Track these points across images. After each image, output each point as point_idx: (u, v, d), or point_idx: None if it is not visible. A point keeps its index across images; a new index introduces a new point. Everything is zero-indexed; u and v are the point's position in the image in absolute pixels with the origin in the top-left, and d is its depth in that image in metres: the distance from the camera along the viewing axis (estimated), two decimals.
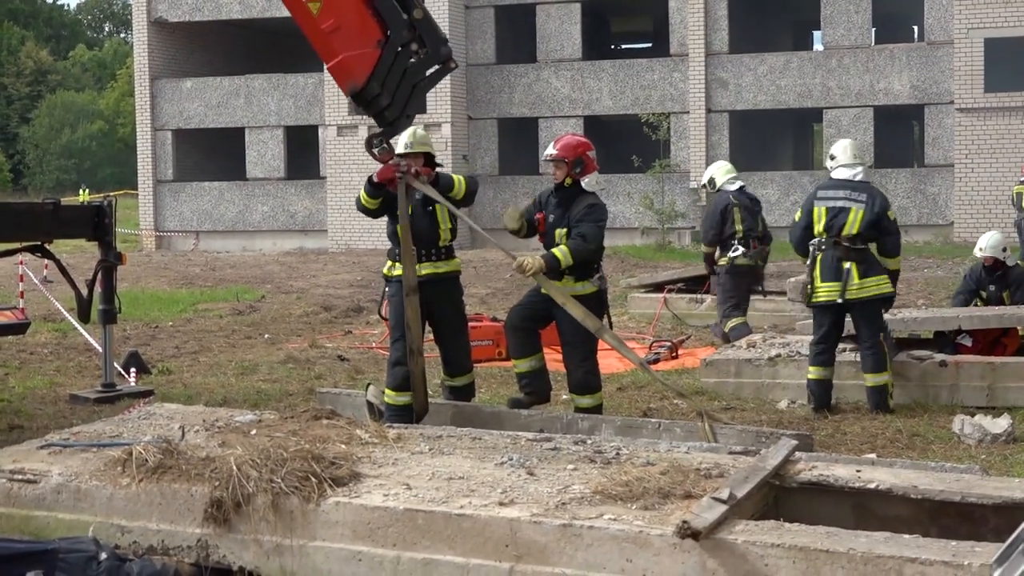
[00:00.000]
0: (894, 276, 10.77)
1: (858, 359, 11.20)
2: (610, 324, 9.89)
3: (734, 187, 14.16)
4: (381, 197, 9.48)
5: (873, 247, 10.71)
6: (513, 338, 9.82)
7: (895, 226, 10.80)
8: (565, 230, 9.40)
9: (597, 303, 9.52)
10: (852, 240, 10.61)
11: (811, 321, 11.54)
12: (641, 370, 9.96)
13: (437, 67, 8.98)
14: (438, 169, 9.71)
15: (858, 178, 10.90)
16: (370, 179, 9.37)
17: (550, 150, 9.57)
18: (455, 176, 9.70)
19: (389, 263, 9.74)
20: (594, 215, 9.38)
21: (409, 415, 9.15)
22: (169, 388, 12.42)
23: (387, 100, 8.70)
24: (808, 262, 10.78)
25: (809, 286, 10.81)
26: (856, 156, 11.11)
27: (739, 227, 13.85)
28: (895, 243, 10.80)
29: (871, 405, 10.57)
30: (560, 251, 9.23)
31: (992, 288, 12.68)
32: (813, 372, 10.73)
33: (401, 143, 9.56)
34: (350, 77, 8.70)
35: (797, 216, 11.18)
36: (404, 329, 9.27)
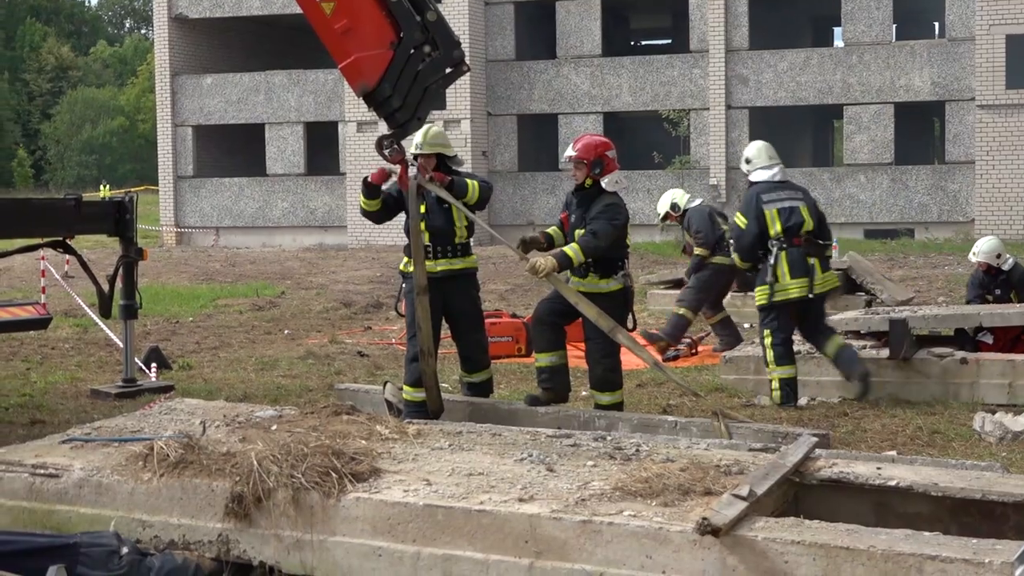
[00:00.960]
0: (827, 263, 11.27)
1: (879, 356, 11.21)
2: (634, 322, 9.89)
3: (695, 204, 14.62)
4: (379, 198, 9.57)
5: None
6: (538, 331, 9.82)
7: None
8: (583, 230, 9.41)
9: (622, 300, 9.54)
10: (810, 235, 10.98)
11: (831, 317, 11.58)
12: (655, 370, 9.94)
13: (450, 69, 8.98)
14: (454, 174, 9.69)
15: (777, 178, 11.26)
16: (365, 180, 9.41)
17: (569, 151, 9.57)
18: (469, 181, 9.68)
19: (405, 259, 9.77)
20: (609, 213, 9.37)
21: (427, 411, 9.18)
22: (189, 383, 12.46)
23: (399, 102, 8.70)
24: (770, 262, 10.81)
25: (771, 285, 10.86)
26: (772, 157, 11.39)
27: (725, 227, 14.19)
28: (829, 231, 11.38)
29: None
30: (571, 249, 9.24)
31: (998, 292, 12.67)
32: (789, 370, 10.82)
33: (414, 143, 9.58)
34: (362, 77, 8.69)
35: (742, 223, 11.12)
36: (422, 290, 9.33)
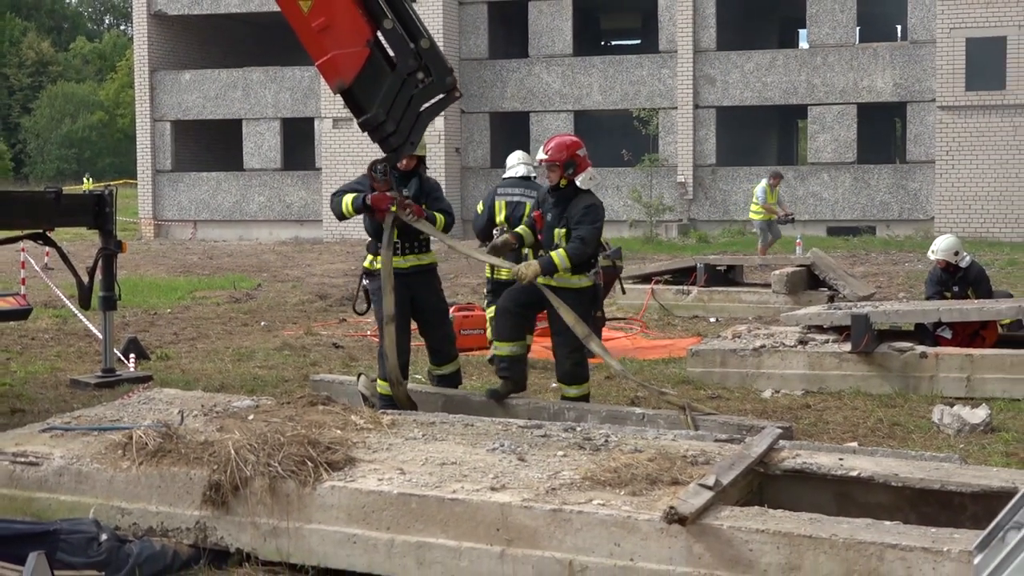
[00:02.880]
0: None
1: (841, 350, 11.27)
2: (603, 317, 9.89)
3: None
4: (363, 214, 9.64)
5: None
6: (502, 320, 9.72)
7: None
8: (564, 230, 9.32)
9: (591, 296, 9.55)
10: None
11: (794, 312, 11.64)
12: (623, 379, 9.89)
13: (442, 95, 8.99)
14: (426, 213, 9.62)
15: (519, 174, 12.40)
16: (364, 199, 9.41)
17: (541, 154, 9.51)
18: (437, 215, 9.62)
19: (370, 257, 9.76)
20: (591, 216, 9.30)
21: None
22: (167, 373, 12.40)
23: (392, 127, 8.71)
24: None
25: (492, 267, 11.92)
26: (521, 162, 12.60)
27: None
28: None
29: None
30: (558, 256, 9.15)
31: (956, 288, 12.73)
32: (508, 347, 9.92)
33: None
34: (338, 75, 8.67)
35: (479, 210, 12.48)
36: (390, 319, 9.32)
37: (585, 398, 9.62)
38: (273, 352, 13.95)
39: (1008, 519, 3.44)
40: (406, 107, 8.71)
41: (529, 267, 9.16)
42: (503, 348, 9.64)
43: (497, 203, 12.27)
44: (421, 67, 8.70)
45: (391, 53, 8.73)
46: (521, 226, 9.89)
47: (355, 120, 8.89)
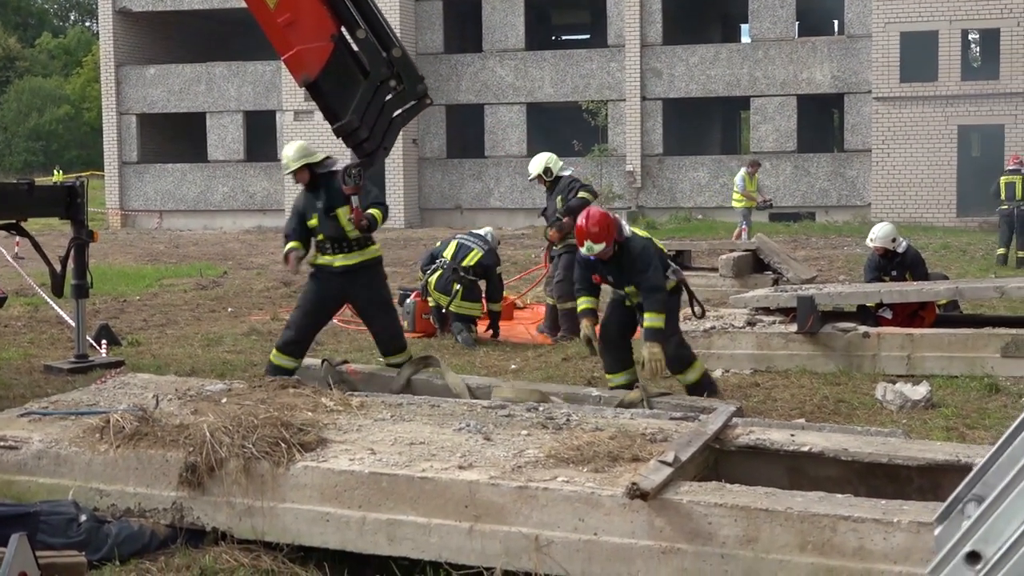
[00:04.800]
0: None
1: (787, 331, 11.31)
2: (702, 310, 9.76)
3: (567, 173, 13.72)
4: (297, 241, 9.75)
5: None
6: (610, 354, 9.42)
7: None
8: (633, 287, 9.01)
9: (676, 296, 9.29)
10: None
11: (742, 295, 11.68)
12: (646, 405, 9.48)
13: (413, 102, 8.94)
14: (328, 178, 9.57)
15: (482, 232, 13.64)
16: (285, 255, 9.78)
17: (594, 247, 8.85)
18: (375, 212, 9.52)
19: (316, 253, 9.81)
20: (643, 260, 8.87)
21: (289, 374, 9.11)
22: (139, 359, 12.29)
23: (366, 133, 8.69)
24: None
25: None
26: (491, 230, 14.19)
27: None
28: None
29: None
30: (650, 320, 8.78)
31: (895, 273, 12.80)
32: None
33: (282, 164, 9.75)
34: (303, 69, 8.63)
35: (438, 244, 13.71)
36: (305, 306, 9.73)
37: (699, 383, 9.28)
38: (241, 337, 13.86)
39: (967, 491, 3.45)
40: (379, 114, 8.69)
41: (650, 350, 8.79)
42: (616, 379, 9.38)
43: (453, 243, 13.88)
44: (394, 75, 8.69)
45: (364, 61, 8.70)
46: (583, 299, 9.38)
47: (327, 122, 8.86)
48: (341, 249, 9.59)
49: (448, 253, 13.69)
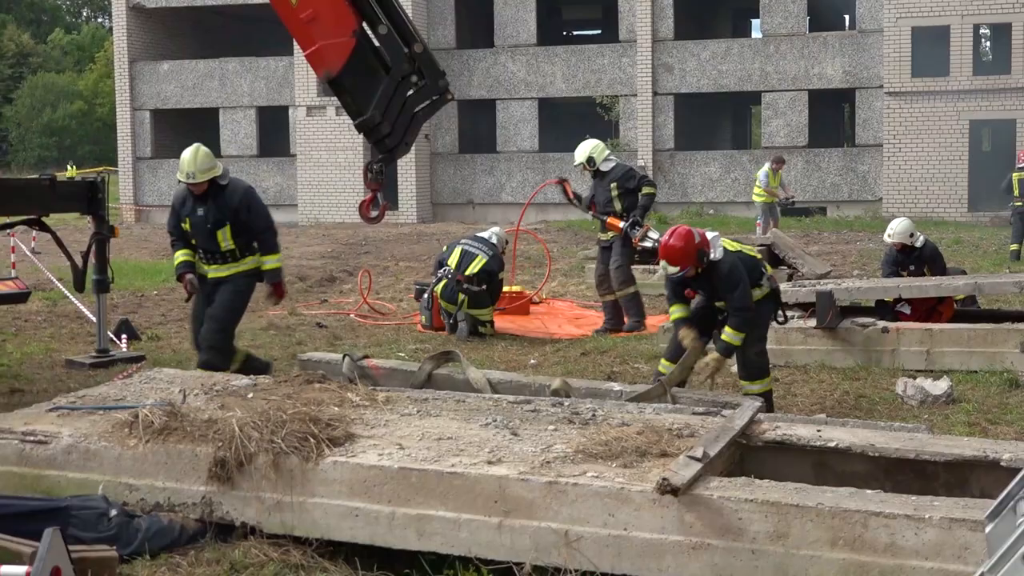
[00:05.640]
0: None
1: (806, 325, 11.29)
2: (785, 319, 9.64)
3: (612, 162, 13.60)
4: (183, 250, 9.76)
5: None
6: (672, 345, 9.27)
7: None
8: (723, 303, 8.91)
9: (772, 303, 9.17)
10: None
11: None
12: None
13: (435, 98, 8.92)
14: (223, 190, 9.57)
15: (485, 235, 14.08)
16: (178, 277, 9.85)
17: (669, 268, 8.78)
18: (265, 261, 9.79)
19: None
20: (731, 280, 8.75)
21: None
22: (159, 353, 12.30)
23: (388, 128, 8.67)
24: None
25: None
26: (495, 230, 14.35)
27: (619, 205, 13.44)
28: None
29: None
30: (727, 335, 8.75)
31: (912, 268, 12.75)
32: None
33: (184, 173, 9.51)
34: (325, 64, 8.62)
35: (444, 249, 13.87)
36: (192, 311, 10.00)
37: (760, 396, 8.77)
38: (260, 332, 13.87)
39: (1018, 489, 3.43)
40: (401, 109, 8.66)
41: (713, 359, 8.84)
42: (665, 366, 9.12)
43: (456, 250, 13.95)
44: (415, 70, 8.66)
45: (386, 57, 8.67)
46: (675, 306, 9.17)
47: (349, 117, 8.83)
48: (214, 260, 9.71)
49: (452, 261, 13.79)
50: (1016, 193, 22.09)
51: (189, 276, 9.67)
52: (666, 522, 5.34)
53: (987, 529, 3.44)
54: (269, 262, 9.80)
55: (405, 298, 16.82)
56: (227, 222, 9.50)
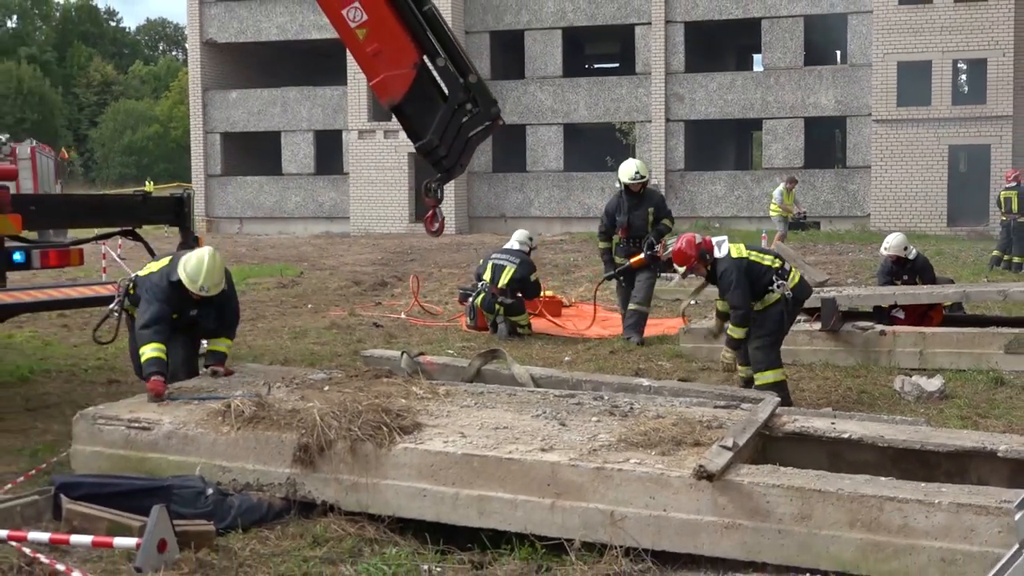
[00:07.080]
0: None
1: (811, 328, 11.24)
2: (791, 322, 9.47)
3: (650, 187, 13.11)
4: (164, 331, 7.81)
5: None
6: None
7: None
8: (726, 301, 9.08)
9: (783, 307, 9.02)
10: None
11: None
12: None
13: (487, 123, 8.90)
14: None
15: (512, 247, 13.83)
16: (144, 376, 7.39)
17: (679, 269, 9.28)
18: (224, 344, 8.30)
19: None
20: (724, 282, 8.85)
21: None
22: (236, 349, 12.18)
23: (444, 151, 8.64)
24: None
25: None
26: (519, 237, 14.16)
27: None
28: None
29: None
30: (730, 331, 8.98)
31: (906, 277, 12.68)
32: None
33: (199, 286, 7.79)
34: (389, 94, 8.59)
35: (480, 262, 13.73)
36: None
37: (771, 387, 8.73)
38: (323, 331, 13.88)
39: None
40: (456, 134, 8.64)
41: (725, 356, 9.15)
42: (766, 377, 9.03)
43: (488, 264, 13.79)
44: (470, 99, 8.63)
45: (443, 86, 8.65)
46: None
47: (410, 140, 8.81)
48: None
49: (487, 276, 13.70)
50: (1002, 209, 22.28)
51: (164, 389, 7.12)
52: (701, 504, 5.33)
53: (1017, 517, 3.42)
54: (223, 345, 8.38)
55: (450, 300, 16.83)
56: (213, 314, 8.29)
